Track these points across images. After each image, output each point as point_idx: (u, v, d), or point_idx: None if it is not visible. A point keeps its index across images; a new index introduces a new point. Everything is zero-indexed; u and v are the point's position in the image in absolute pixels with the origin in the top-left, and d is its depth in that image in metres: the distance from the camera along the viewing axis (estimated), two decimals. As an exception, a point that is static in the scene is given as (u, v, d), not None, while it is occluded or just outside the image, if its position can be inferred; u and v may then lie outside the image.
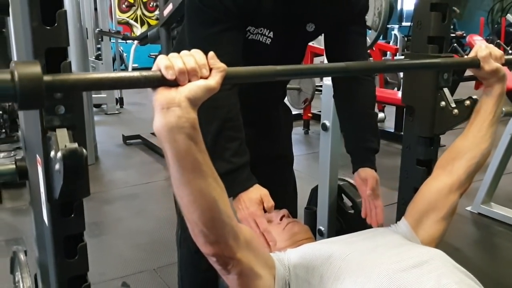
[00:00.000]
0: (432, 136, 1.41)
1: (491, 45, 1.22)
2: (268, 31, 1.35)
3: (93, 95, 4.97)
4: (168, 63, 0.78)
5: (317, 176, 1.96)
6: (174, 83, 0.79)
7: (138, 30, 8.91)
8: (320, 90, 2.12)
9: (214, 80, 0.81)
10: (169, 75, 0.78)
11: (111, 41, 6.41)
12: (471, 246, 2.71)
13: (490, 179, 2.99)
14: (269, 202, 1.26)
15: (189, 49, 0.84)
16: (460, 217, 3.02)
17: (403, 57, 5.55)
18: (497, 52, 1.20)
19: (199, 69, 0.80)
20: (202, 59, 0.81)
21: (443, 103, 1.35)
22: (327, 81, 1.83)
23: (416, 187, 1.46)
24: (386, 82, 5.76)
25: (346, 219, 1.94)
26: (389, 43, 7.93)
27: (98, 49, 6.91)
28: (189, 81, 0.79)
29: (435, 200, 1.23)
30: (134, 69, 8.73)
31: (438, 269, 1.01)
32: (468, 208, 3.12)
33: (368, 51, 5.78)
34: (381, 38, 7.72)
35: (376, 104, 5.60)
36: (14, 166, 1.26)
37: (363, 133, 1.55)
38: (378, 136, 1.58)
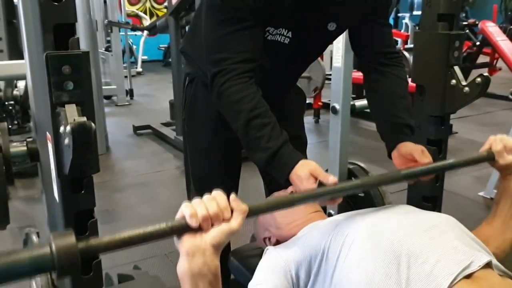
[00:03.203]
0: (443, 115, 1.40)
1: (505, 137, 1.20)
2: (286, 31, 1.32)
3: (103, 87, 5.00)
4: (192, 211, 0.82)
5: (327, 162, 1.95)
6: (198, 229, 0.82)
7: (147, 22, 8.92)
8: (330, 79, 2.11)
9: (237, 223, 0.84)
10: (194, 223, 0.81)
11: (121, 33, 6.42)
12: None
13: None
14: (320, 174, 1.16)
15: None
16: (472, 202, 3.01)
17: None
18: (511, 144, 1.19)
19: (221, 214, 0.83)
20: (224, 202, 0.84)
21: (453, 81, 1.34)
22: (337, 63, 1.82)
23: (426, 167, 1.45)
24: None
25: (357, 202, 1.94)
26: (400, 31, 7.86)
27: (108, 41, 6.94)
28: (213, 226, 0.83)
29: None
30: (143, 61, 8.84)
31: (448, 233, 1.01)
32: (481, 193, 3.10)
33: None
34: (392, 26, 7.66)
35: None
36: (25, 148, 1.28)
37: (396, 112, 1.41)
38: (412, 116, 1.44)
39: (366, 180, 1.07)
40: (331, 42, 1.59)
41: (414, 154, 1.28)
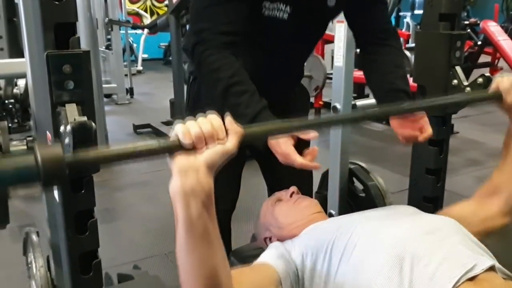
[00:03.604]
0: (444, 115, 1.39)
1: None
2: (285, 5, 1.31)
3: (103, 85, 4.99)
4: (185, 129, 0.79)
5: (328, 162, 1.95)
6: (191, 149, 0.80)
7: (148, 21, 8.90)
8: (331, 78, 2.10)
9: (231, 144, 0.81)
10: (187, 142, 0.78)
11: (121, 31, 6.41)
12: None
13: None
14: (299, 134, 1.15)
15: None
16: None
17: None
18: None
19: (216, 134, 0.81)
20: (218, 123, 0.82)
21: (455, 81, 1.34)
22: (338, 63, 1.81)
23: (428, 168, 1.45)
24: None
25: (357, 202, 1.93)
26: (401, 30, 7.85)
27: (108, 39, 6.92)
28: (207, 146, 0.80)
29: (469, 220, 1.18)
30: (144, 60, 8.83)
31: (451, 237, 1.01)
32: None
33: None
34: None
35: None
36: (25, 147, 1.27)
37: (392, 79, 1.43)
38: (408, 84, 1.45)
39: (365, 112, 1.05)
40: (331, 20, 1.59)
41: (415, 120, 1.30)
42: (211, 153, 0.79)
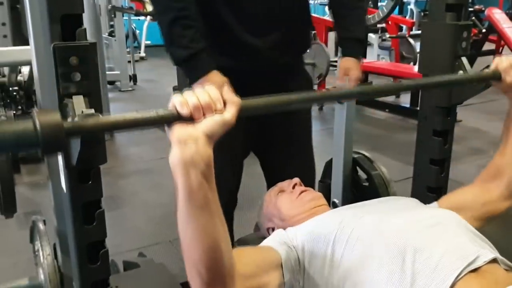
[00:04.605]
0: (449, 106, 1.39)
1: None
2: None
3: (106, 72, 4.99)
4: (182, 99, 0.79)
5: (331, 151, 1.95)
6: (189, 120, 0.80)
7: (151, 7, 8.85)
8: (335, 66, 2.10)
9: (230, 114, 0.82)
10: (184, 111, 0.79)
11: (124, 17, 6.38)
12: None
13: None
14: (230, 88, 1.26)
15: None
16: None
17: (419, 32, 5.45)
18: None
19: (214, 104, 0.81)
20: (216, 93, 0.82)
21: (461, 72, 1.33)
22: (343, 52, 1.80)
23: (432, 158, 1.45)
24: (402, 57, 5.69)
25: (361, 191, 1.94)
26: (405, 18, 7.78)
27: (111, 26, 6.89)
28: (204, 116, 0.80)
29: (470, 204, 1.20)
30: (147, 46, 8.79)
31: (453, 229, 1.02)
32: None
33: (384, 24, 5.70)
34: (396, 12, 7.56)
35: (392, 79, 5.48)
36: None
37: (346, 25, 1.61)
38: (363, 24, 1.66)
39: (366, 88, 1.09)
40: None
41: (351, 71, 1.55)
42: (210, 122, 0.80)
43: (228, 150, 1.54)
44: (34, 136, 0.68)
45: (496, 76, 1.17)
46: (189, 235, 0.85)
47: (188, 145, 0.79)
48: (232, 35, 1.47)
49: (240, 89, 1.66)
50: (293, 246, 1.08)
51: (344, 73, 1.59)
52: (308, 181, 1.72)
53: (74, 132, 0.75)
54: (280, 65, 1.60)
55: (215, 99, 0.81)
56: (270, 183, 1.72)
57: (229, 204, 1.71)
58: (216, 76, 1.35)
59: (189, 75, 1.38)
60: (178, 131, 0.79)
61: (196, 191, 0.81)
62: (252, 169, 1.89)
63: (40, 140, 0.68)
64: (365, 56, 5.60)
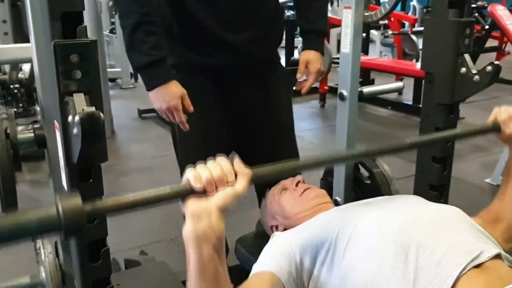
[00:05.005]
0: (452, 104, 1.39)
1: (510, 107, 1.20)
2: None
3: (107, 69, 4.98)
4: (196, 174, 0.81)
5: (333, 148, 1.95)
6: (202, 193, 0.82)
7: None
8: (337, 63, 2.09)
9: (241, 186, 0.83)
10: (198, 186, 0.81)
11: (125, 14, 6.36)
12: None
13: (509, 151, 2.94)
14: (188, 100, 1.35)
15: None
16: (479, 189, 3.00)
17: (422, 28, 5.43)
18: None
19: (226, 177, 0.83)
20: (228, 166, 0.84)
21: (463, 69, 1.32)
22: (345, 49, 1.79)
23: (434, 156, 1.44)
24: (405, 54, 5.67)
25: (363, 189, 1.93)
26: (407, 14, 7.76)
27: (112, 23, 6.89)
28: (217, 189, 0.82)
29: None
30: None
31: (456, 225, 1.02)
32: (487, 180, 3.09)
33: (386, 21, 5.67)
34: (399, 9, 7.53)
35: (394, 76, 5.44)
36: (32, 134, 1.28)
37: (307, 17, 1.64)
38: (324, 17, 1.70)
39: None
40: None
41: (310, 64, 1.59)
42: (222, 196, 0.82)
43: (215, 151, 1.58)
44: (57, 222, 0.72)
45: (496, 128, 1.18)
46: None
47: (202, 220, 0.81)
48: (209, 34, 1.47)
49: (221, 87, 1.68)
50: (292, 250, 1.08)
51: (305, 66, 1.61)
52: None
53: (94, 214, 0.79)
54: (258, 60, 1.61)
55: (227, 172, 0.83)
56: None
57: None
58: (175, 86, 1.35)
59: (147, 82, 1.39)
60: (192, 206, 0.82)
61: (207, 264, 0.83)
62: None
63: (63, 226, 0.72)
64: (367, 53, 5.59)
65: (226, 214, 0.84)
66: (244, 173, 0.85)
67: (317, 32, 1.63)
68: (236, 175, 0.84)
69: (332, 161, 1.06)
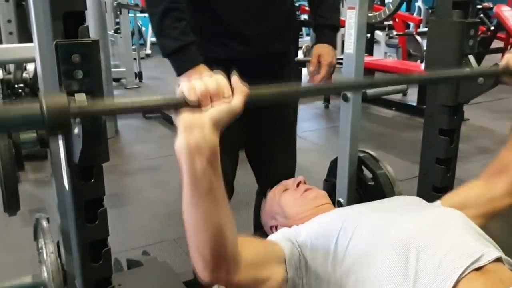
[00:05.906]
0: (456, 105, 1.38)
1: None
2: None
3: (112, 69, 4.99)
4: (190, 86, 0.79)
5: (337, 149, 1.94)
6: (197, 106, 0.80)
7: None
8: (340, 63, 2.08)
9: (237, 102, 0.81)
10: (192, 98, 0.78)
11: (130, 14, 6.38)
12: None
13: None
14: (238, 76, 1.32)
15: None
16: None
17: (427, 29, 5.40)
18: None
19: (222, 91, 0.80)
20: (224, 81, 0.82)
21: (468, 70, 1.31)
22: (349, 50, 1.79)
23: (438, 157, 1.44)
24: (409, 55, 5.65)
25: (366, 191, 1.92)
26: (412, 15, 7.73)
27: (117, 23, 6.90)
28: (212, 104, 0.80)
29: (473, 202, 1.18)
30: (153, 43, 8.80)
31: (457, 228, 1.01)
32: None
33: (391, 22, 5.66)
34: (404, 10, 7.50)
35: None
36: (35, 134, 1.28)
37: (321, 12, 1.68)
38: (337, 11, 1.71)
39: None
40: None
41: (323, 57, 1.58)
42: (217, 110, 0.80)
43: (227, 139, 1.58)
44: (40, 118, 0.69)
45: (506, 72, 1.16)
46: (193, 221, 0.85)
47: (194, 132, 0.78)
48: (227, 26, 1.50)
49: None
50: (297, 243, 1.08)
51: (318, 59, 1.63)
52: (290, 168, 1.81)
53: (79, 114, 0.75)
54: (273, 53, 1.63)
55: (223, 87, 0.81)
56: (257, 174, 1.75)
57: (226, 193, 1.75)
58: (203, 69, 1.38)
59: (177, 67, 1.42)
60: (184, 117, 0.79)
61: (200, 178, 0.81)
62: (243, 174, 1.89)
63: (46, 122, 0.69)
64: (372, 54, 5.58)
65: (219, 129, 0.81)
66: (241, 89, 0.82)
67: (330, 26, 1.66)
68: (232, 92, 0.82)
69: (331, 89, 1.05)
